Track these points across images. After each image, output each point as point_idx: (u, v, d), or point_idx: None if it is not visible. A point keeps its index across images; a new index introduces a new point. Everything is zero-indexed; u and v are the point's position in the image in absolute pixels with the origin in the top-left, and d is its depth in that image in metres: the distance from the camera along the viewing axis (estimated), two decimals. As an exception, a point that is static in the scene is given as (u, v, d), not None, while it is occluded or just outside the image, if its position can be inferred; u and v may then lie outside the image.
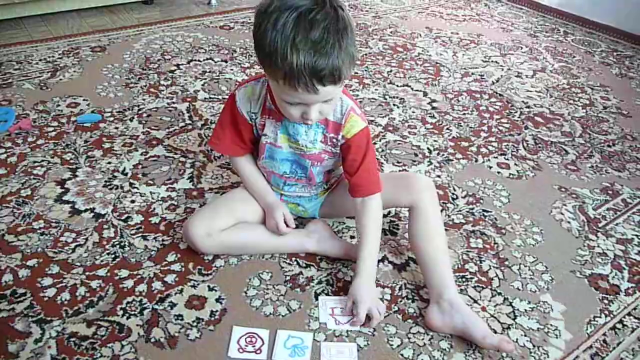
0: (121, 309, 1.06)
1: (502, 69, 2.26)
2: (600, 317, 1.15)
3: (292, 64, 0.89)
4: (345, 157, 1.14)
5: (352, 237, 1.29)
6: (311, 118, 1.00)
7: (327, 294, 1.14)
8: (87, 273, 1.13)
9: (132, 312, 1.06)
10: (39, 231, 1.23)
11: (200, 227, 1.13)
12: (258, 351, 1.00)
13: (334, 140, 1.13)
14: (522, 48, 2.50)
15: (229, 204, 1.20)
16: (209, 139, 1.22)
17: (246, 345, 1.01)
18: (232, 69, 2.04)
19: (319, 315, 1.08)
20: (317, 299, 1.12)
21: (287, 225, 1.17)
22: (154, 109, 1.74)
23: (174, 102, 1.79)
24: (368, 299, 1.05)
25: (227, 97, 1.82)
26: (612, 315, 1.16)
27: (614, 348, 1.09)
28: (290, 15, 0.89)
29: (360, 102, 1.90)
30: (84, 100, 1.75)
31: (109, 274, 1.14)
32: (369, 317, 1.05)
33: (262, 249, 1.21)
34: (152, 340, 1.01)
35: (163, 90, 1.85)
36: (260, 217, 1.22)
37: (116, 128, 1.63)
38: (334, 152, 1.16)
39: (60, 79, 1.87)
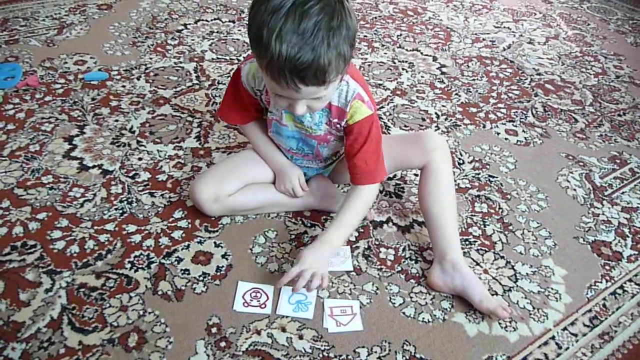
0: (129, 262, 1.09)
1: (514, 35, 2.22)
2: (601, 282, 1.16)
3: (274, 55, 0.81)
4: (346, 140, 1.10)
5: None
6: (297, 112, 0.94)
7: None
8: (95, 227, 1.15)
9: (140, 266, 1.08)
10: (47, 186, 1.24)
11: (208, 192, 1.13)
12: (263, 305, 1.03)
13: (338, 125, 1.08)
14: (535, 14, 2.45)
15: (237, 167, 1.18)
16: (218, 110, 1.20)
17: (251, 300, 1.03)
18: (239, 30, 2.01)
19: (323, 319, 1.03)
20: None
21: (303, 189, 1.17)
22: (161, 68, 1.73)
23: (181, 62, 1.78)
24: (307, 263, 0.99)
25: (234, 58, 1.82)
26: (612, 281, 1.17)
27: (613, 312, 1.10)
28: (286, 0, 0.81)
29: (369, 65, 1.88)
30: (90, 58, 1.74)
31: (116, 228, 1.15)
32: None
33: (268, 209, 1.22)
34: (160, 292, 1.03)
35: (170, 50, 1.84)
36: (270, 179, 1.22)
37: (123, 86, 1.62)
38: (339, 136, 1.12)
39: (67, 37, 1.85)
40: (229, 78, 1.20)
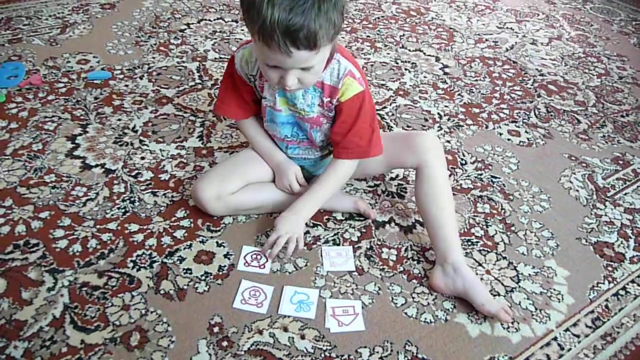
0: (131, 261, 1.09)
1: (517, 36, 2.22)
2: (603, 283, 1.16)
3: (266, 19, 0.84)
4: (337, 118, 1.11)
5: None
6: (288, 84, 0.96)
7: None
8: (98, 226, 1.15)
9: (142, 265, 1.08)
10: (50, 185, 1.25)
11: (210, 191, 1.14)
12: (259, 305, 1.03)
13: (330, 104, 1.10)
14: (538, 15, 2.45)
15: (238, 166, 1.20)
16: (214, 104, 1.21)
17: (249, 298, 1.04)
18: (242, 29, 2.02)
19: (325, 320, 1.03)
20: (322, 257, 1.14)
21: (300, 184, 1.18)
22: (164, 68, 1.73)
23: (184, 61, 1.78)
24: (282, 229, 1.08)
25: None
26: (615, 282, 1.17)
27: (615, 313, 1.10)
28: None
29: (372, 65, 1.88)
30: (93, 57, 1.75)
31: (119, 227, 1.15)
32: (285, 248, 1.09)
33: (270, 208, 1.22)
34: (162, 292, 1.03)
35: (173, 49, 1.84)
36: (270, 177, 1.23)
37: (126, 86, 1.62)
38: (330, 117, 1.13)
39: (70, 36, 1.86)
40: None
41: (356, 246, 1.17)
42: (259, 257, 1.07)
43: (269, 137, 1.23)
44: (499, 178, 1.42)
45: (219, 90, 1.19)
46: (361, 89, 1.08)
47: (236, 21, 2.07)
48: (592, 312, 1.10)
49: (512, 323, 1.04)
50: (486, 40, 2.16)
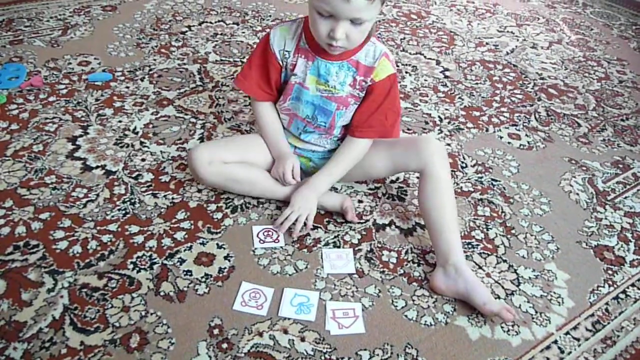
0: (131, 263, 1.08)
1: (517, 40, 2.22)
2: (603, 286, 1.16)
3: None
4: (366, 98, 1.15)
5: (360, 201, 1.30)
6: (337, 35, 0.99)
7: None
8: (98, 227, 1.15)
9: (142, 267, 1.08)
10: (50, 186, 1.25)
11: (204, 154, 1.16)
12: (260, 307, 1.03)
13: (363, 82, 1.14)
14: (538, 19, 2.45)
15: (240, 143, 1.24)
16: (236, 77, 1.23)
17: (249, 300, 1.03)
18: (243, 32, 2.02)
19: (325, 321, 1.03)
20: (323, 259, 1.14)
21: (294, 178, 1.19)
22: (165, 70, 1.73)
23: (184, 64, 1.78)
24: (296, 205, 1.14)
25: (238, 60, 1.82)
26: (615, 286, 1.17)
27: (615, 317, 1.10)
28: None
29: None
30: (94, 59, 1.75)
31: (119, 229, 1.15)
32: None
33: (258, 192, 1.22)
34: (162, 293, 1.03)
35: (174, 51, 1.84)
36: (267, 165, 1.24)
37: (127, 87, 1.63)
38: (359, 97, 1.16)
39: (71, 37, 1.86)
40: (233, 79, 1.21)
41: (356, 249, 1.17)
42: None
43: (281, 128, 1.24)
44: (500, 181, 1.42)
45: (244, 66, 1.21)
46: (394, 71, 1.13)
47: (237, 24, 2.08)
48: (592, 315, 1.09)
49: (513, 325, 1.04)
50: (487, 43, 2.16)
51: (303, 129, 1.23)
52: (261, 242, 1.15)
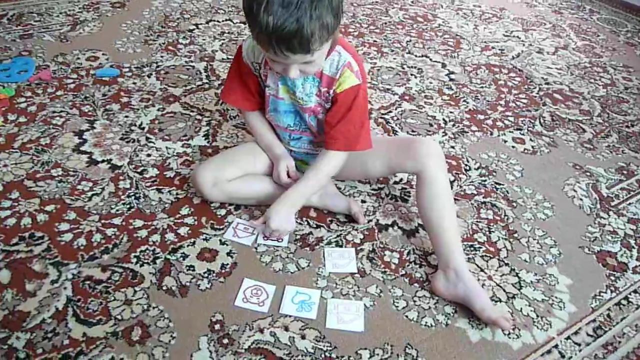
0: (135, 256, 1.09)
1: (524, 45, 2.22)
2: (605, 292, 1.16)
3: (262, 26, 0.88)
4: (330, 108, 1.13)
5: (363, 201, 1.30)
6: (291, 76, 1.01)
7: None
8: (102, 221, 1.16)
9: (146, 261, 1.09)
10: (57, 178, 1.25)
11: (208, 176, 1.17)
12: (261, 304, 1.03)
13: (327, 94, 1.12)
14: (545, 24, 2.45)
15: (238, 156, 1.23)
16: (221, 92, 1.24)
17: (251, 297, 1.04)
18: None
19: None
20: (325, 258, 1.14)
21: (290, 177, 1.19)
22: (172, 67, 1.74)
23: (191, 61, 1.79)
24: (274, 224, 1.10)
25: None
26: (617, 292, 1.16)
27: (617, 323, 1.10)
28: None
29: (378, 70, 1.89)
30: (103, 54, 1.76)
31: (123, 223, 1.16)
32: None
33: (264, 199, 1.22)
34: (164, 288, 1.04)
35: (181, 49, 1.85)
36: (268, 169, 1.24)
37: (134, 83, 1.64)
38: (326, 107, 1.15)
39: (80, 33, 1.87)
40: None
41: (359, 248, 1.18)
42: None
43: (273, 131, 1.25)
44: (503, 185, 1.42)
45: (227, 79, 1.22)
46: (357, 82, 1.10)
47: (244, 22, 2.08)
48: (594, 320, 1.09)
49: (514, 329, 1.04)
50: (492, 47, 2.16)
51: (290, 138, 1.23)
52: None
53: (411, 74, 1.89)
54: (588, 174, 1.51)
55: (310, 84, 1.11)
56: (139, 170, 1.31)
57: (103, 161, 1.32)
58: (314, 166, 1.16)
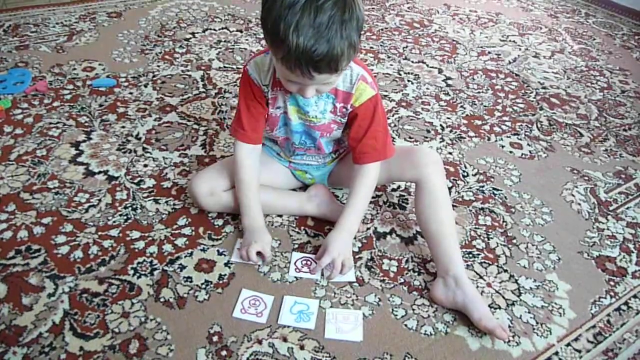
0: (132, 268, 1.09)
1: (520, 49, 2.23)
2: (605, 298, 1.15)
3: (291, 47, 0.86)
4: (351, 124, 1.13)
5: (361, 209, 1.30)
6: (307, 96, 1.00)
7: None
8: (99, 233, 1.16)
9: (143, 272, 1.08)
10: (53, 190, 1.25)
11: (204, 186, 1.16)
12: (259, 314, 1.03)
13: (344, 109, 1.12)
14: (541, 28, 2.46)
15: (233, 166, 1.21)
16: (231, 127, 1.19)
17: (249, 307, 1.03)
18: (247, 39, 2.03)
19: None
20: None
21: (263, 258, 1.12)
22: (169, 76, 1.74)
23: (188, 70, 1.79)
24: (335, 251, 1.08)
25: (241, 67, 1.83)
26: (617, 297, 1.16)
27: (617, 329, 1.09)
28: None
29: (375, 76, 1.89)
30: (99, 64, 1.76)
31: (120, 234, 1.16)
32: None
33: (263, 211, 1.20)
34: (162, 300, 1.03)
35: (178, 58, 1.85)
36: (264, 179, 1.21)
37: (130, 93, 1.64)
38: (342, 122, 1.15)
39: (77, 43, 1.88)
40: (237, 87, 1.20)
41: (357, 257, 1.17)
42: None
43: (258, 192, 1.16)
44: (501, 190, 1.42)
45: (235, 116, 1.16)
46: (374, 93, 1.10)
47: (241, 31, 2.09)
48: (594, 327, 1.09)
49: (513, 336, 1.04)
50: (489, 52, 2.17)
51: (293, 152, 1.23)
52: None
53: (408, 80, 1.89)
54: (586, 178, 1.51)
55: (324, 101, 1.10)
56: (135, 181, 1.31)
57: (100, 172, 1.32)
58: (354, 188, 1.14)
